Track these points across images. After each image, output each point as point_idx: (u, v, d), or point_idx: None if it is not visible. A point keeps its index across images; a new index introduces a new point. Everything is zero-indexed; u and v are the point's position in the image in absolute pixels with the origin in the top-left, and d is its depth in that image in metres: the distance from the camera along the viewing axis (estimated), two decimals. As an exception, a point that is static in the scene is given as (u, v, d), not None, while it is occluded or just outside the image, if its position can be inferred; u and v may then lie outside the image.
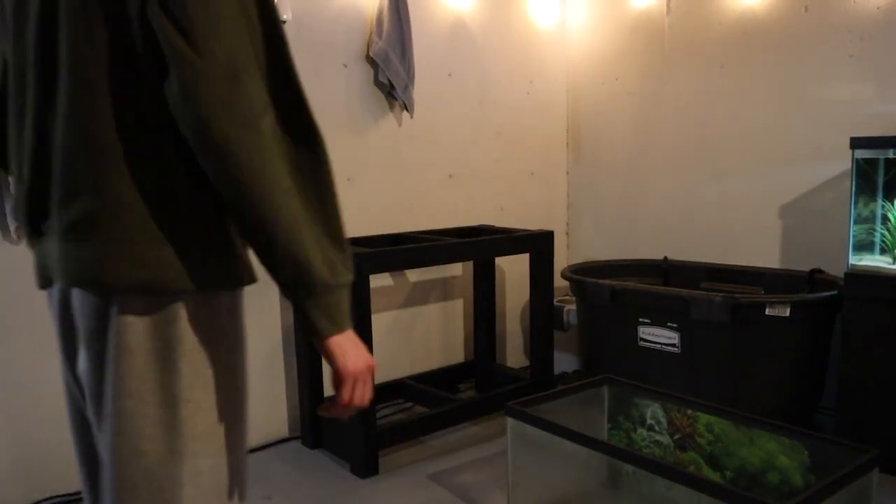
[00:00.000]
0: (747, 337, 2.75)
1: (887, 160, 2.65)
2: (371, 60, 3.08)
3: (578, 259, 3.83)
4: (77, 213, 0.94)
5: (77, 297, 0.98)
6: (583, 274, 3.24)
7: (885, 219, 2.67)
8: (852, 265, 2.62)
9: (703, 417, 2.24)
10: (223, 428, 1.02)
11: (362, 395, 1.04)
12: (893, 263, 2.59)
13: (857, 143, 2.60)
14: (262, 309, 2.86)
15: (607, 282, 3.07)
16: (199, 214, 0.97)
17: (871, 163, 2.66)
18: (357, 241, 2.94)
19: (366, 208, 3.16)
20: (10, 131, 1.06)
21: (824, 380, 2.89)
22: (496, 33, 3.58)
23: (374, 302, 2.70)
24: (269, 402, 2.93)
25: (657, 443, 2.39)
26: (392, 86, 3.09)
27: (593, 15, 3.80)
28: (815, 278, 2.96)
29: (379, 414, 2.73)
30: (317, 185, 1.01)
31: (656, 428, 2.39)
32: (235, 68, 0.89)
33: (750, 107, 3.25)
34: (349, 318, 1.02)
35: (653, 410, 2.40)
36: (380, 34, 3.03)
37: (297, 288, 0.97)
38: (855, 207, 2.65)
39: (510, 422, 2.17)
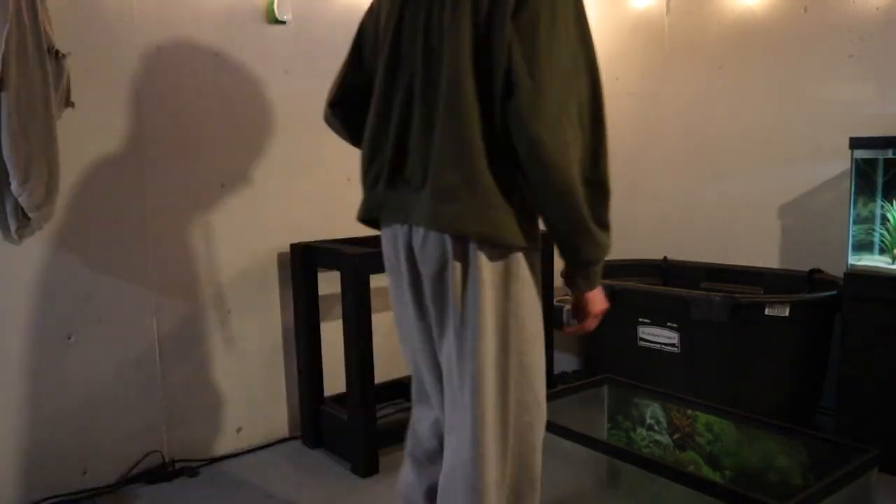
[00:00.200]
0: (747, 337, 2.75)
1: (886, 160, 2.66)
2: (371, 61, 3.08)
3: (578, 259, 3.83)
4: (446, 183, 1.34)
5: (433, 239, 1.39)
6: (583, 274, 3.23)
7: (884, 219, 2.67)
8: (852, 265, 2.63)
9: (703, 417, 2.25)
10: (538, 340, 1.45)
11: (593, 326, 1.53)
12: (893, 263, 2.59)
13: (856, 143, 2.61)
14: (262, 309, 2.87)
15: (607, 282, 3.07)
16: (523, 196, 1.37)
17: (871, 163, 2.67)
18: (357, 242, 2.94)
19: (366, 208, 3.16)
20: (370, 121, 1.53)
21: (824, 380, 2.90)
22: (496, 34, 3.58)
23: (375, 302, 2.70)
24: (269, 402, 2.93)
25: (657, 442, 2.40)
26: (392, 86, 3.09)
27: (593, 15, 3.80)
28: (814, 278, 2.97)
29: (379, 414, 2.73)
30: (600, 194, 1.40)
31: (656, 427, 2.39)
32: (563, 104, 1.32)
33: (749, 107, 3.25)
34: (599, 279, 1.48)
35: (652, 410, 2.41)
36: (380, 35, 3.03)
37: (575, 261, 1.43)
38: (854, 207, 2.65)
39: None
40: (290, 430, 2.97)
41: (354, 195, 3.14)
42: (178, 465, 2.66)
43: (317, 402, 2.86)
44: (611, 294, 3.04)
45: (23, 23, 2.09)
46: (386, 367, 3.19)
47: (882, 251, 2.67)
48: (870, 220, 2.70)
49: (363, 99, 1.60)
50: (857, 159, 2.63)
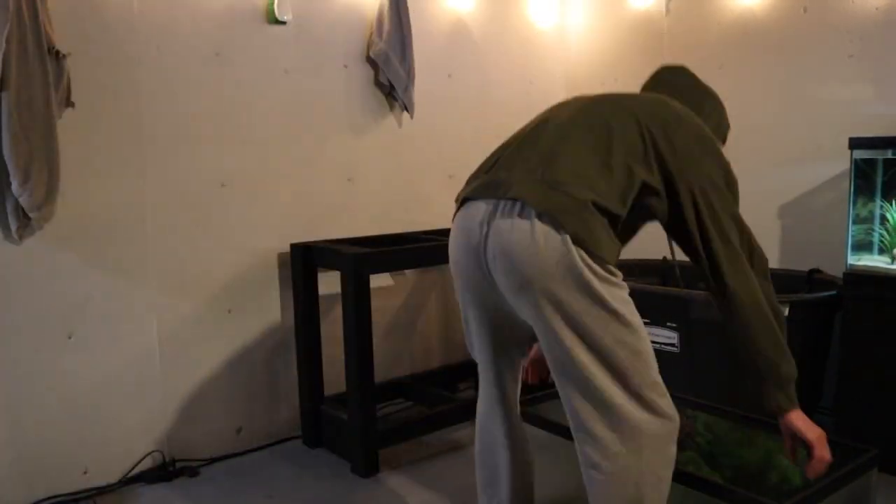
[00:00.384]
0: (746, 337, 2.75)
1: (886, 160, 2.66)
2: (371, 61, 3.08)
3: (578, 259, 3.83)
4: (569, 191, 1.48)
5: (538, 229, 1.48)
6: (582, 274, 3.23)
7: (883, 219, 2.67)
8: (851, 265, 2.63)
9: (702, 416, 2.25)
10: (638, 330, 1.53)
11: (825, 453, 1.60)
12: (892, 263, 2.59)
13: (855, 143, 2.61)
14: (262, 309, 2.87)
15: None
16: (614, 233, 1.54)
17: (870, 163, 2.67)
18: (357, 242, 2.95)
19: (366, 208, 3.17)
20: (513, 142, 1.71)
21: (823, 379, 2.90)
22: (496, 34, 3.59)
23: (374, 302, 2.71)
24: (269, 402, 2.93)
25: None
26: (392, 86, 3.10)
27: (592, 16, 3.81)
28: (813, 278, 2.97)
29: (379, 413, 2.74)
30: (775, 308, 1.64)
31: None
32: (738, 248, 1.59)
33: (749, 107, 3.25)
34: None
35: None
36: (380, 35, 3.03)
37: (778, 380, 1.58)
38: (854, 207, 2.65)
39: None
40: (291, 430, 2.97)
41: (354, 195, 3.16)
42: (178, 465, 2.66)
43: (317, 401, 2.86)
44: (610, 294, 3.05)
45: (23, 23, 2.09)
46: (386, 367, 3.20)
47: (881, 251, 2.67)
48: (869, 220, 2.70)
49: None
50: (856, 159, 2.63)
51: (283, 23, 2.81)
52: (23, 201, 2.17)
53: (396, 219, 3.26)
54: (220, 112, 2.71)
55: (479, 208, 1.58)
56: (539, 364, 2.00)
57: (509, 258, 1.50)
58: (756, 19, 3.19)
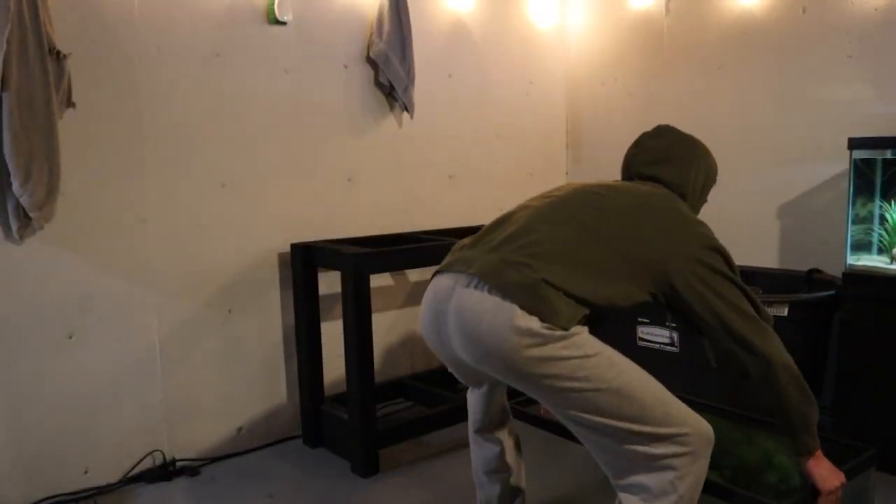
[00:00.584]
0: (746, 336, 2.76)
1: (885, 160, 2.66)
2: (371, 61, 3.09)
3: (578, 259, 3.83)
4: (552, 276, 1.53)
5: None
6: (582, 274, 3.24)
7: (882, 219, 2.68)
8: (850, 265, 2.63)
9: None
10: (615, 370, 1.56)
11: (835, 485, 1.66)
12: (891, 263, 2.60)
13: (855, 143, 2.61)
14: (263, 309, 2.87)
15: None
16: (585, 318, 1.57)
17: (869, 163, 2.68)
18: (357, 241, 2.95)
19: (366, 208, 3.17)
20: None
21: (823, 379, 2.90)
22: (496, 35, 3.59)
23: (374, 302, 2.71)
24: (269, 402, 2.94)
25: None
26: (392, 87, 3.10)
27: (592, 16, 3.81)
28: (813, 278, 2.97)
29: (379, 413, 2.74)
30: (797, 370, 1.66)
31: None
32: (754, 314, 1.63)
33: (748, 107, 3.26)
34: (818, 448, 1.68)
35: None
36: (380, 35, 3.04)
37: (805, 427, 1.65)
38: (853, 207, 2.66)
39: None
40: (291, 430, 2.98)
41: (355, 195, 3.17)
42: (178, 465, 2.66)
43: (317, 401, 2.87)
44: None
45: (24, 23, 2.10)
46: (386, 367, 3.20)
47: (881, 251, 2.68)
48: (868, 220, 2.71)
49: None
50: (855, 159, 2.64)
51: (284, 23, 2.81)
52: (24, 201, 2.18)
53: (396, 219, 3.27)
54: (220, 112, 2.71)
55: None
56: None
57: (465, 332, 1.59)
58: (755, 19, 3.19)
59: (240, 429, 2.86)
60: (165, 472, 2.61)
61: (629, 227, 1.63)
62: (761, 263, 3.22)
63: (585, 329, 1.57)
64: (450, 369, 1.86)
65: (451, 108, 3.44)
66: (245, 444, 2.87)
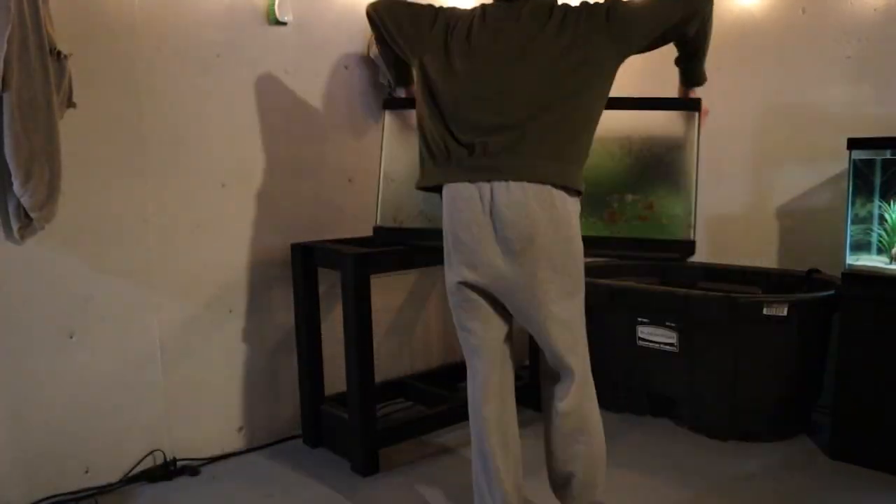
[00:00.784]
0: (745, 337, 2.77)
1: (884, 161, 2.67)
2: (371, 61, 3.09)
3: (577, 259, 3.83)
4: (546, 150, 1.88)
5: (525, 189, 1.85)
6: (582, 274, 3.24)
7: (881, 219, 2.68)
8: (849, 265, 2.64)
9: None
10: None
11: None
12: (890, 263, 2.60)
13: (854, 143, 2.62)
14: (262, 309, 2.88)
15: (606, 281, 3.09)
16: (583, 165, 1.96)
17: (868, 163, 2.68)
18: (357, 242, 2.95)
19: (366, 208, 3.16)
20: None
21: (822, 379, 2.91)
22: (495, 34, 3.58)
23: (374, 302, 2.71)
24: (269, 401, 2.94)
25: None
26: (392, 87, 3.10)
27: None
28: (812, 278, 2.98)
29: (379, 413, 2.74)
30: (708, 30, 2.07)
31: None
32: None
33: (748, 107, 3.26)
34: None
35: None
36: (380, 35, 3.04)
37: (697, 74, 2.23)
38: (852, 208, 2.66)
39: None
40: (291, 430, 2.98)
41: (355, 195, 3.16)
42: (179, 464, 2.66)
43: (317, 401, 2.87)
44: (609, 293, 3.07)
45: (25, 23, 2.10)
46: (386, 367, 3.21)
47: (880, 251, 2.68)
48: (867, 220, 2.71)
49: None
50: (854, 160, 2.64)
51: (284, 23, 2.82)
52: (24, 201, 2.18)
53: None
54: (221, 112, 2.72)
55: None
56: None
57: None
58: (754, 20, 3.20)
59: (240, 428, 2.87)
60: (166, 471, 2.61)
61: (569, 67, 1.94)
62: (761, 263, 3.23)
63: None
64: (476, 303, 2.02)
65: (450, 109, 3.43)
66: (245, 443, 2.87)
